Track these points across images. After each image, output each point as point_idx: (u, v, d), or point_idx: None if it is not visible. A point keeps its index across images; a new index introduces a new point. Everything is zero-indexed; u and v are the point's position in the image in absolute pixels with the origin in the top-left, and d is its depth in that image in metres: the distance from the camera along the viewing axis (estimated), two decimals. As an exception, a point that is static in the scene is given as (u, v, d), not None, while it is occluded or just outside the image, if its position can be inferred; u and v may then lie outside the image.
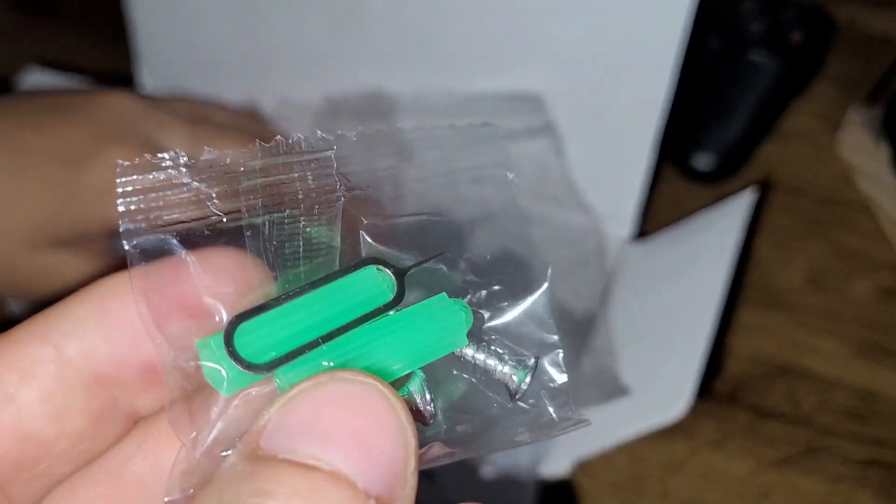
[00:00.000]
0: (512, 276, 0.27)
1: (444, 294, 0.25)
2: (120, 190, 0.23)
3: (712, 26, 0.66)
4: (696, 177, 0.66)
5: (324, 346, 0.23)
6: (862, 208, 0.66)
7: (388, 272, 0.25)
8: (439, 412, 0.26)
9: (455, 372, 0.27)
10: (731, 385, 0.59)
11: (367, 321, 0.24)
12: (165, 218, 0.24)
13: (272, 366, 0.23)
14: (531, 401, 0.27)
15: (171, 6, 0.60)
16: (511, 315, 0.27)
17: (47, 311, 0.24)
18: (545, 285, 0.27)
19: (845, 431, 0.58)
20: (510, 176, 0.27)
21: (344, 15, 0.55)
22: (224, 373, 0.23)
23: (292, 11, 0.57)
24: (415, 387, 0.25)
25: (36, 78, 0.66)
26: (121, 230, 0.23)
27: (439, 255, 0.27)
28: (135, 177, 0.24)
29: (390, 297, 0.25)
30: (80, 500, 0.25)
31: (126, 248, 0.23)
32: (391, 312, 0.25)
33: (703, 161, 0.66)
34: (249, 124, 0.57)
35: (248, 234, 0.24)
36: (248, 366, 0.22)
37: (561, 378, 0.27)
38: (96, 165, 0.51)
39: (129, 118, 0.52)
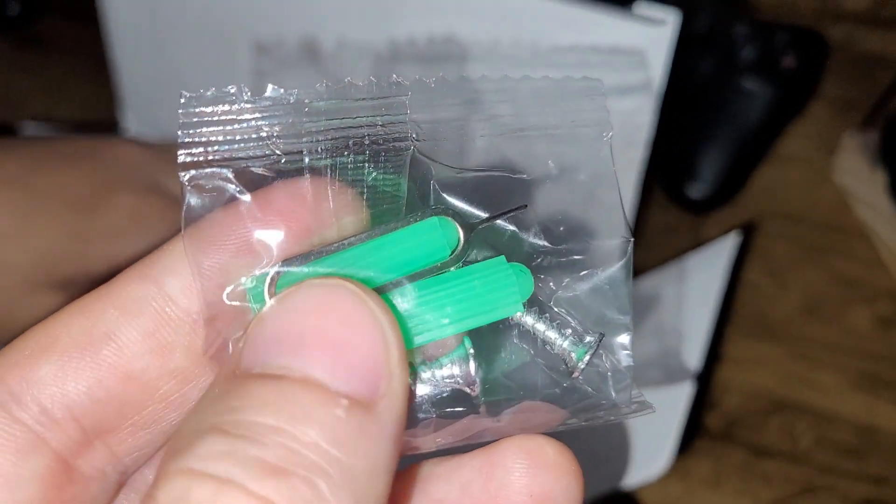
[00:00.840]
0: (588, 245, 0.25)
1: (502, 257, 0.24)
2: (181, 121, 0.23)
3: (704, 52, 0.65)
4: (690, 206, 0.66)
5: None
6: (859, 234, 0.65)
7: (456, 225, 0.24)
8: (479, 382, 0.24)
9: (515, 341, 0.25)
10: (727, 421, 0.59)
11: (421, 278, 0.23)
12: (224, 153, 0.23)
13: None
14: (588, 381, 0.25)
15: (152, 51, 0.60)
16: (583, 287, 0.25)
17: (149, 255, 0.23)
18: (625, 260, 0.25)
19: (844, 469, 0.57)
20: (606, 137, 0.25)
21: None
22: None
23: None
24: (459, 354, 0.24)
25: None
26: (178, 161, 0.23)
27: (513, 212, 0.25)
28: (197, 108, 0.23)
29: (448, 253, 0.24)
30: None
31: (181, 180, 0.23)
32: (452, 269, 0.24)
33: (696, 190, 0.65)
34: None
35: (308, 177, 0.23)
36: None
37: (626, 361, 0.25)
38: (105, 210, 0.51)
39: (137, 165, 0.54)
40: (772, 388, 0.60)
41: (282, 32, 0.58)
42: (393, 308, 0.23)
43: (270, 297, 0.22)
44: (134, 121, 0.64)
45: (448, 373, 0.24)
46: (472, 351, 0.23)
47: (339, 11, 0.56)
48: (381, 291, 0.23)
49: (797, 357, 0.61)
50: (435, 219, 0.24)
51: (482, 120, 0.25)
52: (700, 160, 0.65)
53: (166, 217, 0.52)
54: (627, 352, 0.25)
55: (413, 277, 0.23)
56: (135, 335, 0.22)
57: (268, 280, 0.22)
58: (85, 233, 0.51)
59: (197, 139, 0.23)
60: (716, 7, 0.67)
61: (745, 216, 0.66)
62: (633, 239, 0.25)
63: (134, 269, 0.23)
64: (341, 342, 0.19)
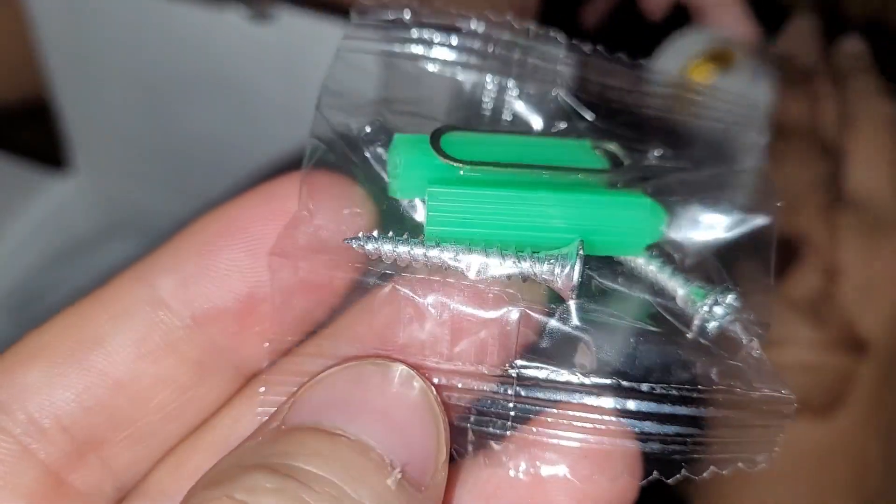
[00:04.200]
0: (727, 187, 0.24)
1: (641, 193, 0.23)
2: (353, 23, 0.24)
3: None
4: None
5: (511, 172, 0.22)
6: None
7: (603, 155, 0.24)
8: (576, 288, 0.22)
9: (631, 286, 0.23)
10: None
11: (567, 172, 0.23)
12: (380, 39, 0.24)
13: (467, 163, 0.22)
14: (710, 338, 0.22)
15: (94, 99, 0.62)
16: (725, 241, 0.24)
17: (148, 254, 0.23)
18: (771, 220, 0.23)
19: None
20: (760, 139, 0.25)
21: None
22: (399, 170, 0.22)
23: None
24: (567, 253, 0.22)
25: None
26: (342, 42, 0.24)
27: (678, 166, 0.24)
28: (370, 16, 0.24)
29: (603, 164, 0.23)
30: (190, 472, 0.22)
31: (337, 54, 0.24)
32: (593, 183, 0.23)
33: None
34: None
35: (451, 84, 0.25)
36: (447, 156, 0.22)
37: (762, 322, 0.22)
38: None
39: None
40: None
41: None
42: (517, 191, 0.22)
43: (433, 145, 0.22)
44: (83, 164, 0.65)
45: (549, 269, 0.22)
46: (582, 253, 0.21)
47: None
48: (513, 167, 0.22)
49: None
50: (587, 141, 0.24)
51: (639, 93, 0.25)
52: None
53: None
54: (767, 312, 0.23)
55: (556, 169, 0.23)
56: (124, 340, 0.21)
57: (431, 134, 0.23)
58: None
59: (362, 32, 0.24)
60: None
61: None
62: (779, 201, 0.24)
63: (128, 270, 0.22)
64: (403, 425, 0.19)
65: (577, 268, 0.21)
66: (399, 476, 0.18)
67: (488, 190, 0.22)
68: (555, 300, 0.22)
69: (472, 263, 0.21)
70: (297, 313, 0.22)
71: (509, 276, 0.22)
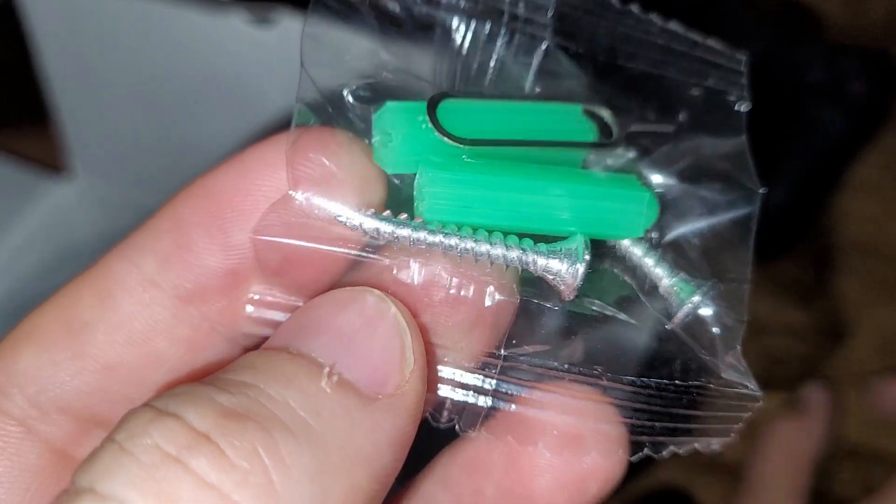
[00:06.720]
0: (715, 189, 0.24)
1: (635, 176, 0.23)
2: None
3: (766, 76, 0.63)
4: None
5: (506, 150, 0.22)
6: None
7: (593, 123, 0.23)
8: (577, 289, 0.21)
9: (616, 271, 0.23)
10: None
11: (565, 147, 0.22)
12: None
13: (469, 143, 0.21)
14: (687, 331, 0.22)
15: (95, 106, 0.61)
16: (703, 230, 0.23)
17: (133, 232, 0.22)
18: (752, 209, 0.23)
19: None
20: (742, 107, 0.24)
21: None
22: (393, 142, 0.21)
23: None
24: (573, 249, 0.21)
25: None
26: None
27: (663, 130, 0.24)
28: None
29: (592, 137, 0.23)
30: None
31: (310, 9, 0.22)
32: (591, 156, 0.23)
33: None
34: None
35: (438, 32, 0.23)
36: (449, 135, 0.21)
37: (738, 316, 0.22)
38: None
39: None
40: (845, 434, 0.57)
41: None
42: (516, 173, 0.21)
43: (430, 119, 0.21)
44: (83, 169, 0.65)
45: (552, 265, 0.21)
46: (588, 258, 0.21)
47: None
48: (513, 144, 0.22)
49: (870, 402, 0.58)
50: (578, 106, 0.23)
51: (624, 45, 0.24)
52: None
53: None
54: (741, 308, 0.23)
55: (548, 147, 0.22)
56: (111, 323, 0.21)
57: (428, 103, 0.21)
58: None
59: None
60: (778, 29, 0.64)
61: (813, 250, 0.64)
62: (762, 190, 0.23)
63: (117, 248, 0.22)
64: (352, 333, 0.19)
65: (583, 270, 0.21)
66: (336, 380, 0.18)
67: (489, 177, 0.21)
68: (536, 285, 0.22)
69: (472, 250, 0.21)
70: (287, 288, 0.22)
71: (507, 266, 0.21)
